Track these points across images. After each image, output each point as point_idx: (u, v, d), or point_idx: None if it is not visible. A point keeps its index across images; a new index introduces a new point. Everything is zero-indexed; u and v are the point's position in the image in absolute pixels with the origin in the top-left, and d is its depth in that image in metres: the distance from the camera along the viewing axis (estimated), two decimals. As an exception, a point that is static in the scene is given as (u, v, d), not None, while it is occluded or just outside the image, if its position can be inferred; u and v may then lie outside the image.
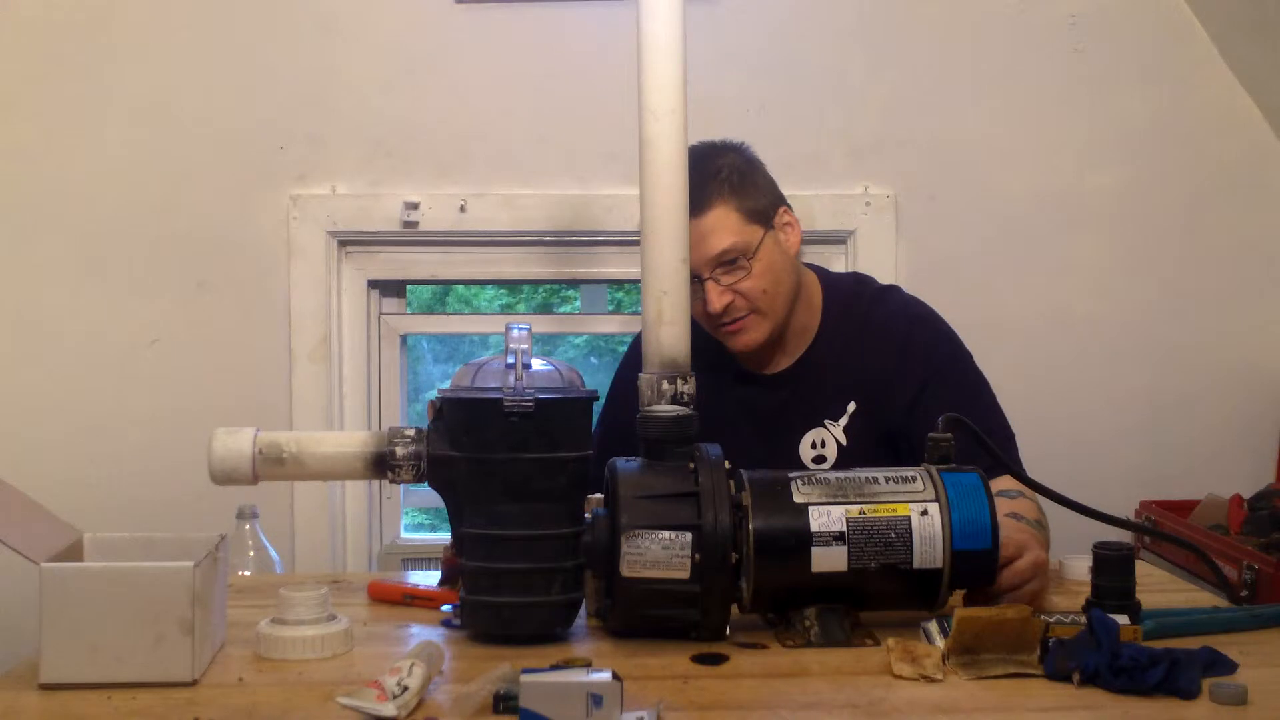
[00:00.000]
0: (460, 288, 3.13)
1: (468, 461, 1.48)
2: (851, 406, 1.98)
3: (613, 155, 2.52)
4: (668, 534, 1.45)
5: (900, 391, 1.95)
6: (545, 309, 3.19)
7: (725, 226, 1.91)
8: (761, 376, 2.04)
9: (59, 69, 2.55)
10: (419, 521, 3.00)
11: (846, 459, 1.96)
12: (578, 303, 2.94)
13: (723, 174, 1.93)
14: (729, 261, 1.92)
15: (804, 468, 1.91)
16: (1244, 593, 2.06)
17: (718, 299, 1.92)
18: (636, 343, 2.08)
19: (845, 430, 1.98)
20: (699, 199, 1.85)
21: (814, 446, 1.99)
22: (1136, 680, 1.29)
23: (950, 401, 1.81)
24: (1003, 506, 1.75)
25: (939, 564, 1.48)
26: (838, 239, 2.62)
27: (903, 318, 2.02)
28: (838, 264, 2.59)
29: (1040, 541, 1.69)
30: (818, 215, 2.56)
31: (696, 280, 1.90)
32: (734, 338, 1.97)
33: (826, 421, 1.99)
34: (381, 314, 2.69)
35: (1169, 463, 2.63)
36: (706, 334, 1.99)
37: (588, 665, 1.37)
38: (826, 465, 1.97)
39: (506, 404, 1.45)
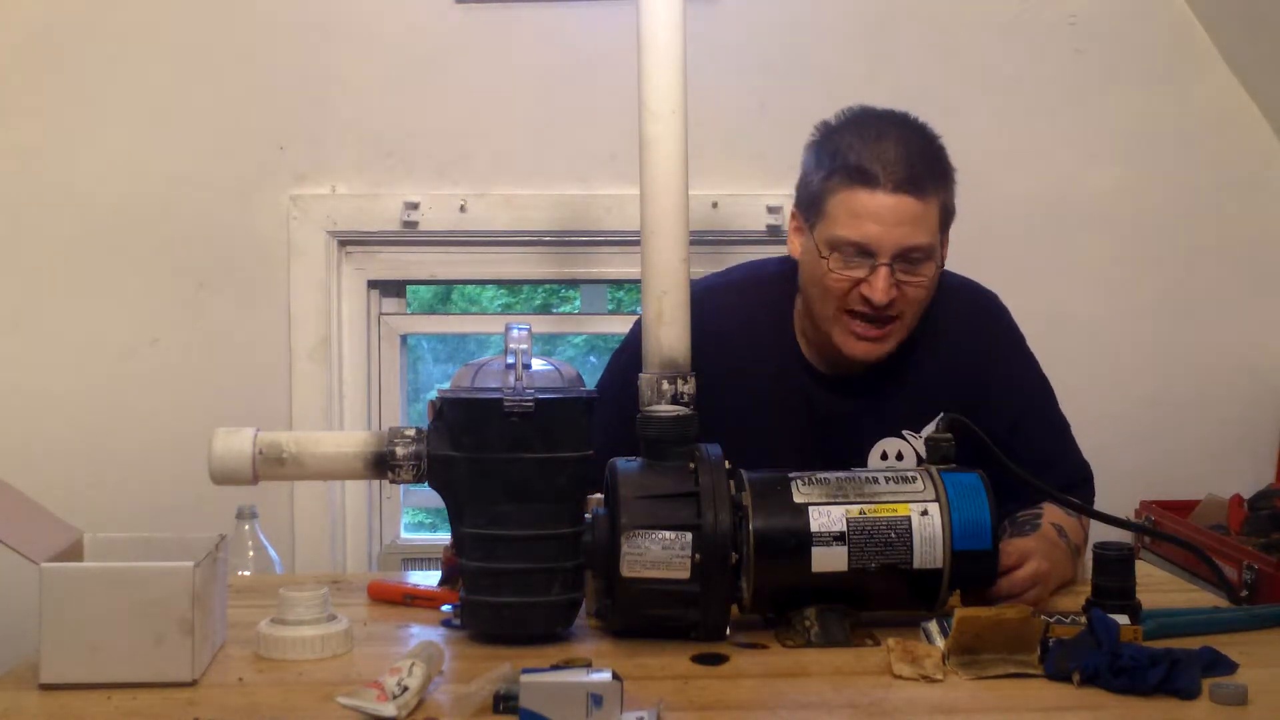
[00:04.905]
0: (464, 287, 3.13)
1: (468, 461, 1.48)
2: (934, 423, 1.66)
3: (613, 155, 2.52)
4: (668, 534, 1.45)
5: (991, 423, 1.67)
6: (545, 309, 3.19)
7: (930, 222, 1.70)
8: (832, 378, 1.84)
9: (60, 69, 2.55)
10: (419, 521, 2.99)
11: None
12: (578, 303, 2.93)
13: (944, 162, 1.74)
14: (914, 259, 1.71)
15: None
16: (1244, 593, 2.06)
17: (887, 290, 1.69)
18: (633, 334, 1.91)
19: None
20: (918, 176, 1.68)
21: (884, 457, 1.82)
22: (1136, 680, 1.29)
23: (1040, 443, 1.82)
24: (1053, 515, 1.74)
25: (939, 564, 1.48)
26: (838, 239, 2.61)
27: (992, 336, 1.87)
28: (838, 264, 2.58)
29: (1053, 552, 1.67)
30: (818, 215, 2.55)
31: (862, 256, 1.69)
32: (866, 343, 1.74)
33: (905, 432, 1.82)
34: (381, 314, 2.69)
35: (1169, 463, 2.62)
36: (777, 324, 1.84)
37: (588, 665, 1.37)
38: None
39: (506, 404, 1.45)
